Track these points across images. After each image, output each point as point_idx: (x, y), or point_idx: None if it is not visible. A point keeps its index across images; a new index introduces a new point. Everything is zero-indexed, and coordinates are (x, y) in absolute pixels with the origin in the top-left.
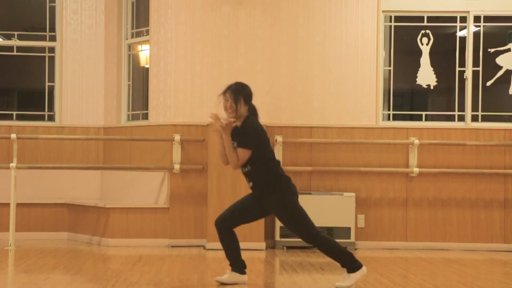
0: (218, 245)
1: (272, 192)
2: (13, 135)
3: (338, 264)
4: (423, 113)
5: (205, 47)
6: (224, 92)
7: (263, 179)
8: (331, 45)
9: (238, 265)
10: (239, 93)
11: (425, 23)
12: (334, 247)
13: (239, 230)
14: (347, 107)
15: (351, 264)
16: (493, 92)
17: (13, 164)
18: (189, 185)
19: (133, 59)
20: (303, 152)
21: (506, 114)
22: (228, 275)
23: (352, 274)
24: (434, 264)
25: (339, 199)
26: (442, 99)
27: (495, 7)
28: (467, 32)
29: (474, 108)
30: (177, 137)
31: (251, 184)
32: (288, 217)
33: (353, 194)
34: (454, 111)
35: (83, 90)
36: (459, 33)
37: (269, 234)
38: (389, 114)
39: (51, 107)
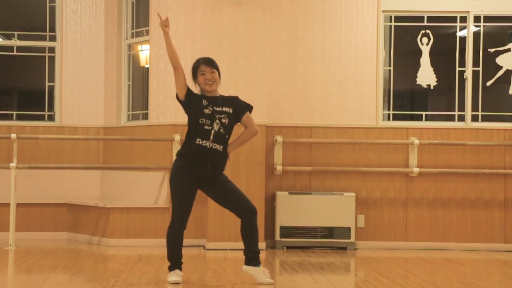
0: (218, 245)
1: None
2: (13, 135)
3: (338, 264)
4: (423, 113)
5: (205, 47)
6: (210, 64)
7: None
8: (331, 45)
9: (181, 262)
10: (217, 67)
11: (425, 23)
12: None
13: (238, 230)
14: (347, 107)
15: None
16: (493, 92)
17: (13, 164)
18: None
19: (133, 59)
20: (303, 152)
21: (506, 114)
22: (179, 276)
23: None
24: (434, 264)
25: (339, 199)
26: (442, 99)
27: (495, 7)
28: (467, 32)
29: (474, 108)
30: (177, 137)
31: (220, 147)
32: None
33: (353, 194)
34: (454, 111)
35: (83, 90)
36: (459, 33)
37: (269, 234)
38: (389, 114)
39: (51, 107)
